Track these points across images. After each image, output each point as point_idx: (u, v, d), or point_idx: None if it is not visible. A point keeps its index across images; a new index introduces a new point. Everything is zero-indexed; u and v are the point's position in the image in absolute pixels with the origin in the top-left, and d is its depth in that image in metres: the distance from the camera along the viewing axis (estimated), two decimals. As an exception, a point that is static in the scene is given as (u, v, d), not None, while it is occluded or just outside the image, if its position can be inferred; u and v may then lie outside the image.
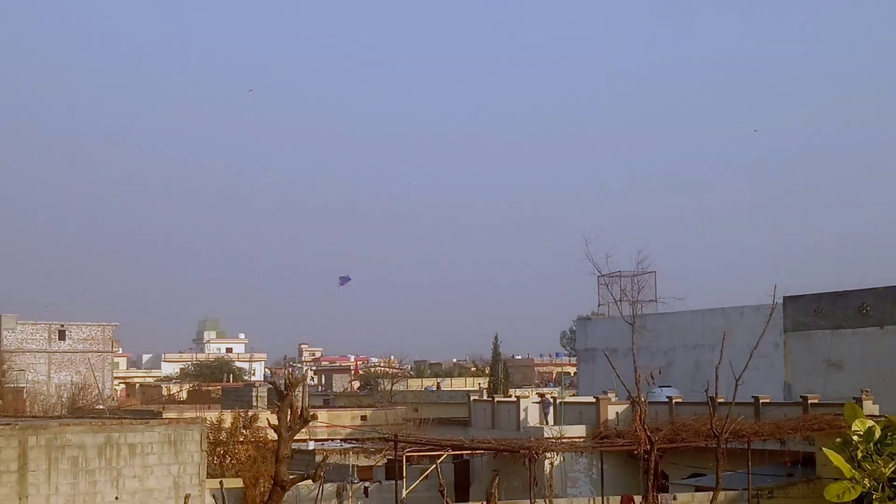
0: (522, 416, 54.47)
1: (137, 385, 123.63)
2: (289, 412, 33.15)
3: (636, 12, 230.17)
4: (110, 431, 31.95)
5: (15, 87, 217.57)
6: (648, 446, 37.08)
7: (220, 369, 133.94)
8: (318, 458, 44.74)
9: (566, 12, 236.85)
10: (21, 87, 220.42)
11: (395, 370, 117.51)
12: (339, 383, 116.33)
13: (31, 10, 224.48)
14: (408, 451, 41.56)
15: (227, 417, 50.96)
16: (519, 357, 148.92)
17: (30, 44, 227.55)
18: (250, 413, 52.03)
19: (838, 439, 37.36)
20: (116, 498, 31.58)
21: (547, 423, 52.52)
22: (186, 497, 32.30)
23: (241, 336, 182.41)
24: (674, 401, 51.27)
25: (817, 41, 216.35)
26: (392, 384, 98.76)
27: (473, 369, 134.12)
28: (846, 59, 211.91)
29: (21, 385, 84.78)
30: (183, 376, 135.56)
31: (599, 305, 74.40)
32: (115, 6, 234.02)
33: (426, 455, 43.36)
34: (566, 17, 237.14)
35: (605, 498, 39.57)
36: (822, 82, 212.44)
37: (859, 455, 36.21)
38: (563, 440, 45.37)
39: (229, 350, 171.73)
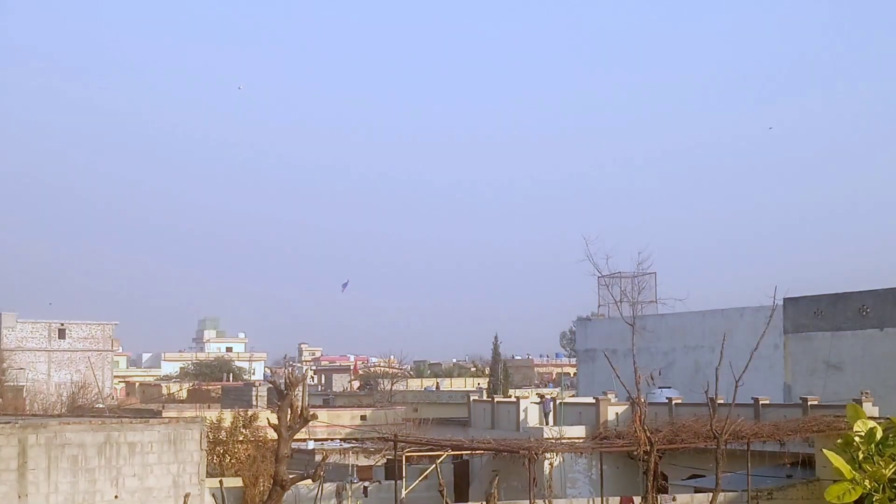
0: (522, 416, 54.48)
1: (137, 384, 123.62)
2: (289, 412, 33.17)
3: (641, 12, 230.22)
4: (110, 430, 31.96)
5: (15, 86, 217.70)
6: (648, 447, 37.09)
7: (219, 368, 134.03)
8: (318, 457, 44.72)
9: (570, 8, 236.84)
10: (23, 88, 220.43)
11: (394, 370, 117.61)
12: (339, 383, 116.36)
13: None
14: (407, 451, 41.52)
15: (227, 417, 51.00)
16: (519, 357, 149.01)
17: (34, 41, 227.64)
18: (250, 412, 52.05)
19: (839, 440, 37.35)
20: (116, 496, 31.59)
21: (547, 424, 52.55)
22: (186, 496, 32.31)
23: (241, 335, 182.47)
24: (673, 402, 51.30)
25: (825, 44, 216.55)
26: (392, 384, 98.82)
27: (473, 369, 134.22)
28: (849, 64, 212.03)
29: (21, 384, 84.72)
30: (183, 375, 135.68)
31: (599, 306, 74.40)
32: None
33: (426, 455, 43.36)
34: (569, 14, 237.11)
35: (604, 499, 39.56)
36: (824, 83, 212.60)
37: (860, 456, 36.19)
38: (563, 441, 45.36)
39: (229, 349, 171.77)
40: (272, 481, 33.76)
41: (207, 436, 36.73)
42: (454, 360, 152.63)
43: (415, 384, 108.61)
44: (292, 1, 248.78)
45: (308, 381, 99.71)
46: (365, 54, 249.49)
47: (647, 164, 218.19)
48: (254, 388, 74.65)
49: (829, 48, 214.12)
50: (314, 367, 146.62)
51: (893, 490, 35.70)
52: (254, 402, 68.78)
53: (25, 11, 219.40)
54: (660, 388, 57.32)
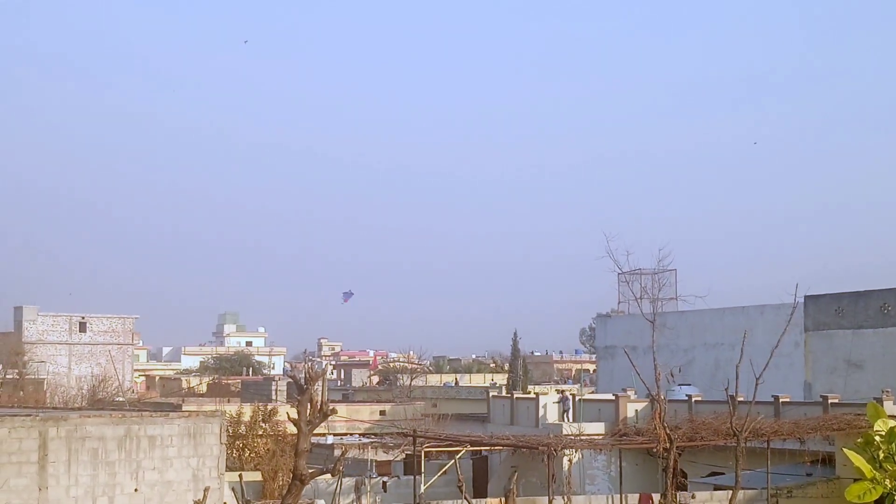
0: (541, 412, 54.47)
1: (157, 378, 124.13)
2: (308, 406, 33.18)
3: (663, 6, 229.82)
4: (130, 423, 32.04)
5: (41, 78, 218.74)
6: (667, 444, 37.04)
7: (239, 363, 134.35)
8: (337, 452, 44.86)
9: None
10: (43, 92, 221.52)
11: (414, 365, 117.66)
12: (359, 378, 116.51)
13: None
14: (426, 447, 41.58)
15: (247, 411, 51.15)
16: (538, 354, 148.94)
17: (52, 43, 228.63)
18: (269, 407, 52.18)
19: (860, 439, 37.28)
20: (136, 490, 31.68)
21: (568, 420, 52.57)
22: (206, 490, 32.35)
23: (261, 330, 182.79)
24: (693, 399, 51.20)
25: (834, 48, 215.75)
26: (411, 379, 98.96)
27: (492, 365, 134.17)
28: (862, 59, 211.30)
29: (41, 376, 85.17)
30: (203, 369, 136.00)
31: (619, 303, 74.28)
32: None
33: (444, 451, 43.41)
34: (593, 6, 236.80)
35: (623, 495, 39.53)
36: (848, 77, 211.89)
37: (881, 455, 36.10)
38: (582, 437, 45.35)
39: (249, 344, 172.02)
40: (291, 475, 33.78)
41: (227, 430, 36.79)
42: (473, 356, 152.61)
43: (434, 380, 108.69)
44: (301, 1, 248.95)
45: (328, 375, 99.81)
46: (387, 49, 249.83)
47: (667, 160, 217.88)
48: (273, 383, 74.70)
49: (842, 39, 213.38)
50: (334, 362, 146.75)
51: (914, 489, 35.62)
52: (273, 397, 68.87)
53: (39, 16, 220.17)
54: (679, 385, 57.24)
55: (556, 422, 52.13)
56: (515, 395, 61.58)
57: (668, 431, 37.38)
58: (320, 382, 40.52)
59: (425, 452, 41.54)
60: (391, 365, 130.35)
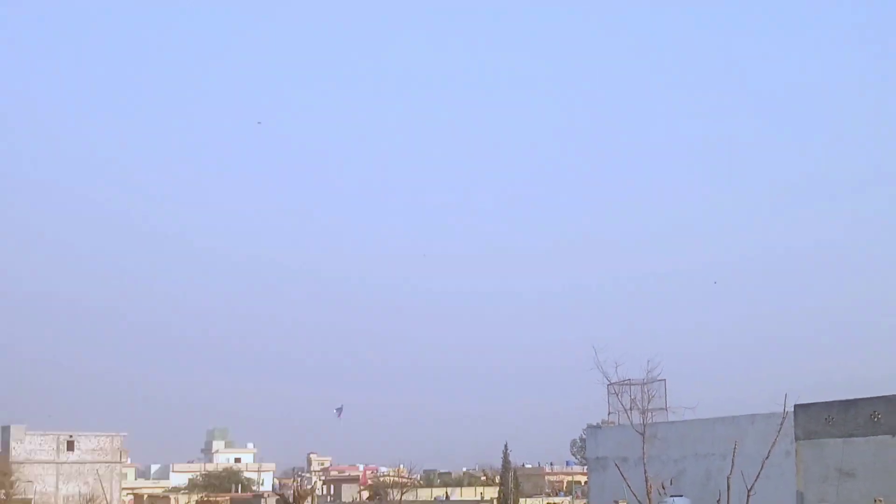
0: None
1: (146, 496, 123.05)
2: (298, 524, 33.10)
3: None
4: (119, 544, 31.88)
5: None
6: (660, 558, 36.84)
7: (228, 479, 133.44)
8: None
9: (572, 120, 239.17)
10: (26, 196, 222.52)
11: (404, 479, 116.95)
12: (348, 493, 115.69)
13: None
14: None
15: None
16: (529, 466, 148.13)
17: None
18: (259, 524, 51.86)
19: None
20: None
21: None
22: None
23: (250, 446, 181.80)
24: (685, 510, 51.00)
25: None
26: (402, 494, 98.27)
27: (483, 478, 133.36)
28: (854, 179, 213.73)
29: (29, 496, 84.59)
30: (192, 487, 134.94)
31: (609, 414, 74.12)
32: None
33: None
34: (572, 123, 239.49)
35: None
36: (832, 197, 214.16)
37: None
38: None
39: (238, 460, 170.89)
40: None
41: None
42: (464, 469, 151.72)
43: (425, 493, 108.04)
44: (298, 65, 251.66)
45: (317, 491, 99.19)
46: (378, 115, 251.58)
47: (654, 274, 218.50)
48: (263, 500, 74.35)
49: (828, 165, 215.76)
50: (323, 478, 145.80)
51: None
52: (263, 514, 68.47)
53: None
54: (671, 496, 56.91)
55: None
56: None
57: (661, 544, 37.21)
58: (309, 499, 40.47)
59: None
60: (381, 479, 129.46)
